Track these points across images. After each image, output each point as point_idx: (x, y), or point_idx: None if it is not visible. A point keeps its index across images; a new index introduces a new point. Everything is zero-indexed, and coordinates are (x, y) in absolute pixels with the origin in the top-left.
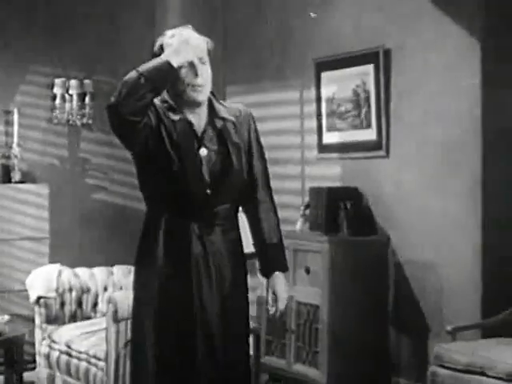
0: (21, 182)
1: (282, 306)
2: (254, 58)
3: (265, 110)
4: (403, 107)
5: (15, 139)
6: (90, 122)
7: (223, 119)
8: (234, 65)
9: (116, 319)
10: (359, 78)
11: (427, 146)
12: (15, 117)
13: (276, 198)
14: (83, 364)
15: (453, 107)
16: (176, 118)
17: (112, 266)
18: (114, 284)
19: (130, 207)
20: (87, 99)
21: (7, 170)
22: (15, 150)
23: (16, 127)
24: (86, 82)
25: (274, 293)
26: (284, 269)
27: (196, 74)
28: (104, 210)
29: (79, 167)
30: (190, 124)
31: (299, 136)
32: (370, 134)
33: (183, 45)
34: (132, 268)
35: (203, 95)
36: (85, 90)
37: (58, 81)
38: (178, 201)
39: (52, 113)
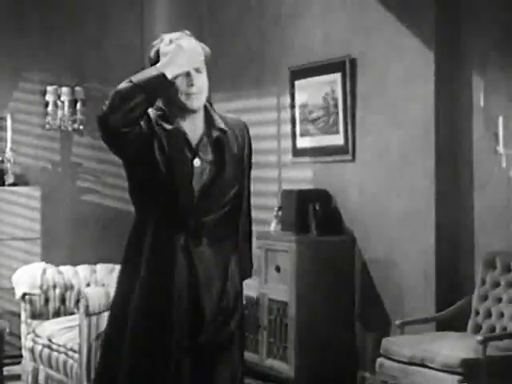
0: (14, 184)
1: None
2: (234, 66)
3: (244, 116)
4: (367, 113)
5: (8, 144)
6: (81, 127)
7: (220, 130)
8: (216, 72)
9: (88, 313)
10: (329, 86)
11: (387, 149)
12: (8, 122)
13: (254, 200)
14: (62, 356)
15: (409, 113)
16: (169, 127)
17: (95, 264)
18: (97, 281)
19: (119, 209)
20: (78, 106)
21: (1, 174)
22: (8, 154)
23: (9, 133)
24: (77, 89)
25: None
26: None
27: (191, 84)
28: (94, 211)
29: (71, 171)
30: (184, 134)
31: (276, 141)
32: (338, 139)
33: (179, 55)
34: (115, 266)
35: (198, 102)
36: (76, 97)
37: (50, 88)
38: (165, 211)
39: (44, 119)
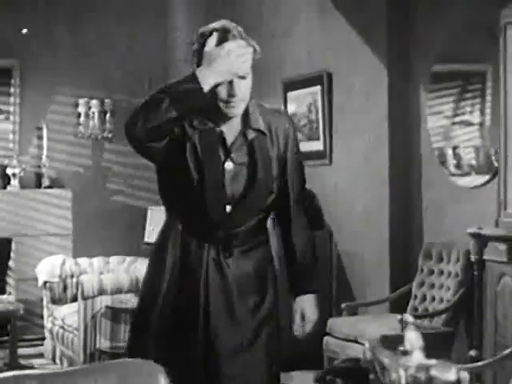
0: (49, 187)
1: (308, 328)
2: None
3: None
4: (339, 122)
5: (45, 151)
6: (110, 135)
7: (256, 130)
8: None
9: (83, 297)
10: (311, 97)
11: (353, 154)
12: (45, 132)
13: None
14: (70, 335)
15: (369, 122)
16: (203, 127)
17: (109, 256)
18: (109, 271)
19: (144, 208)
20: (107, 116)
21: (38, 177)
22: (45, 160)
23: (45, 141)
24: (106, 101)
25: (302, 314)
26: (315, 291)
27: (232, 94)
28: (121, 210)
29: (101, 174)
30: (220, 133)
31: None
32: (318, 145)
33: (224, 63)
34: (126, 258)
35: (238, 110)
36: (105, 109)
37: (81, 101)
38: (194, 218)
39: (77, 128)
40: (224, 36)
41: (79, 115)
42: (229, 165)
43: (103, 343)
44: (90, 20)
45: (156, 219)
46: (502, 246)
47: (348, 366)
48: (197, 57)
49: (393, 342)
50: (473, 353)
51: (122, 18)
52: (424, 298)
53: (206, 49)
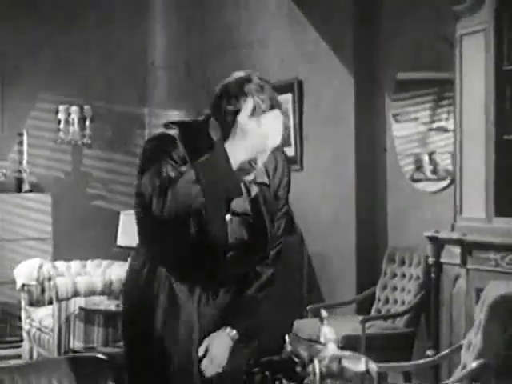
0: (30, 191)
1: (212, 371)
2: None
3: None
4: (310, 129)
5: (25, 156)
6: (90, 141)
7: (259, 184)
8: (204, 91)
9: (58, 299)
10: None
11: (322, 161)
12: (25, 137)
13: None
14: (46, 336)
15: (337, 131)
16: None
17: (86, 259)
18: (86, 274)
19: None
20: (87, 122)
21: (18, 182)
22: (25, 165)
23: (26, 146)
24: (86, 107)
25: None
26: (239, 331)
27: (253, 167)
28: (101, 215)
29: (81, 180)
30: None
31: None
32: (290, 151)
33: (260, 141)
34: (102, 261)
35: (251, 176)
36: (85, 115)
37: (61, 107)
38: (188, 266)
39: (57, 134)
40: (258, 100)
41: (59, 121)
42: (230, 217)
43: (76, 344)
44: (70, 27)
45: (127, 223)
46: (457, 250)
47: (275, 360)
48: (225, 120)
49: (354, 342)
50: (430, 352)
51: (101, 25)
52: (387, 301)
53: (241, 119)
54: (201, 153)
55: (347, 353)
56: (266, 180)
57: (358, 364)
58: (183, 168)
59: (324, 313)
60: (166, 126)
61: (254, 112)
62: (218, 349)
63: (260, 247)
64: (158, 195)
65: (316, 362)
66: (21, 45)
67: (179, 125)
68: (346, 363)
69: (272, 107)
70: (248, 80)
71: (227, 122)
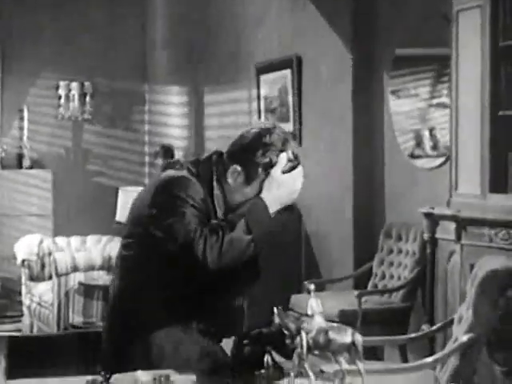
0: (30, 167)
1: None
2: (216, 63)
3: (224, 107)
4: (308, 105)
5: (26, 132)
6: (90, 117)
7: None
8: (204, 69)
9: (57, 274)
10: (283, 80)
11: (319, 138)
12: (26, 114)
13: None
14: (46, 311)
15: (335, 107)
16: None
17: (86, 235)
18: (85, 249)
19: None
20: (87, 98)
21: (19, 158)
22: (26, 141)
23: (26, 122)
24: (86, 83)
25: None
26: None
27: None
28: (102, 191)
29: (81, 156)
30: None
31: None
32: (289, 127)
33: (291, 193)
34: (102, 237)
35: None
36: (85, 91)
37: (62, 83)
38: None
39: (57, 110)
40: (289, 155)
41: (60, 97)
42: None
43: (76, 318)
44: (71, 4)
45: (126, 199)
46: (452, 226)
47: (264, 332)
48: (255, 170)
49: (350, 317)
50: (425, 326)
51: (102, 2)
52: (383, 276)
53: (277, 174)
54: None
55: (334, 325)
56: None
57: (345, 336)
58: (230, 216)
59: (311, 285)
60: (170, 166)
61: (285, 167)
62: None
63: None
64: (211, 245)
65: (303, 334)
66: (22, 22)
67: (192, 166)
68: (332, 335)
69: (298, 163)
70: (276, 132)
71: (258, 173)
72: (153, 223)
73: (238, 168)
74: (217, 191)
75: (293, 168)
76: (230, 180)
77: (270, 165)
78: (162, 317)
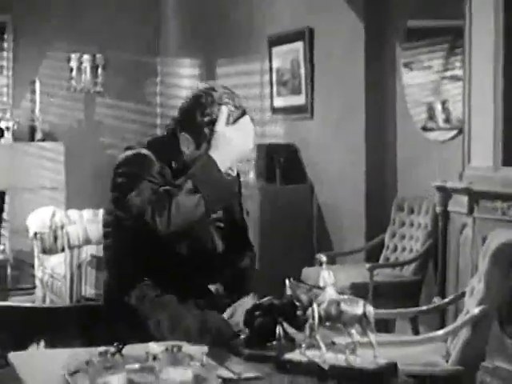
0: (42, 140)
1: None
2: (228, 35)
3: (235, 79)
4: (320, 77)
5: (38, 105)
6: (102, 89)
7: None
8: (215, 42)
9: (69, 247)
10: (295, 53)
11: (332, 110)
12: (37, 86)
13: None
14: (59, 283)
15: (347, 79)
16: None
17: (98, 208)
18: (98, 222)
19: None
20: (99, 70)
21: (31, 131)
22: (38, 113)
23: (38, 95)
24: (98, 55)
25: None
26: None
27: (230, 174)
28: (112, 164)
29: (93, 128)
30: None
31: (259, 100)
32: (300, 99)
33: (242, 145)
34: None
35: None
36: (97, 63)
37: (73, 55)
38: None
39: (69, 82)
40: (231, 108)
41: (71, 70)
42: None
43: (88, 291)
44: None
45: None
46: (464, 199)
47: (276, 303)
48: (201, 132)
49: (362, 290)
50: (436, 299)
51: None
52: (395, 249)
53: (220, 128)
54: (177, 167)
55: (345, 296)
56: (232, 172)
57: (356, 307)
58: (179, 181)
59: (323, 257)
60: (129, 148)
61: (229, 119)
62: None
63: (237, 252)
64: (159, 211)
65: (315, 305)
66: None
67: (148, 144)
68: (344, 307)
69: (244, 113)
70: (214, 89)
71: (204, 133)
72: (116, 206)
73: (186, 135)
74: (174, 164)
75: (238, 118)
76: (184, 149)
77: (212, 122)
78: (153, 298)
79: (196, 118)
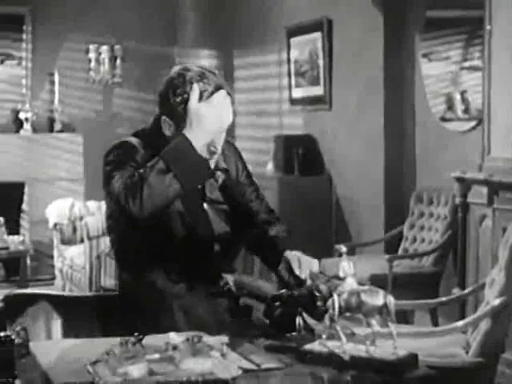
0: (61, 131)
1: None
2: (245, 26)
3: (253, 71)
4: (339, 68)
5: (57, 96)
6: (120, 81)
7: (221, 170)
8: (233, 31)
9: (89, 238)
10: (313, 43)
11: (350, 100)
12: (56, 77)
13: (257, 144)
14: (78, 274)
15: (365, 71)
16: None
17: None
18: None
19: None
20: (118, 62)
21: (50, 122)
22: (56, 105)
23: (57, 86)
24: (117, 47)
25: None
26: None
27: (214, 151)
28: None
29: (111, 119)
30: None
31: (277, 92)
32: (319, 90)
33: (215, 121)
34: None
35: (213, 163)
36: (115, 54)
37: (92, 47)
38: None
39: (88, 74)
40: (204, 85)
41: (90, 61)
42: (208, 206)
43: (108, 281)
44: None
45: None
46: (484, 190)
47: (295, 294)
48: (177, 112)
49: (381, 281)
50: (455, 291)
51: None
52: (414, 240)
53: (192, 106)
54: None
55: (366, 287)
56: (225, 165)
57: (377, 298)
58: (150, 162)
59: (343, 247)
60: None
61: (202, 96)
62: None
63: (242, 234)
64: (132, 194)
65: (335, 296)
66: None
67: (135, 133)
68: (364, 297)
69: (218, 88)
70: (188, 70)
71: (179, 113)
72: (107, 196)
73: (166, 118)
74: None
75: (211, 94)
76: (166, 132)
77: (185, 100)
78: (163, 288)
79: (169, 99)
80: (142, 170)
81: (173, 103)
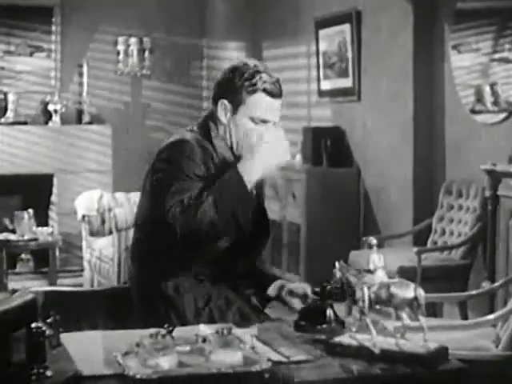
0: (89, 123)
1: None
2: (275, 18)
3: (282, 62)
4: (368, 60)
5: (85, 88)
6: (149, 73)
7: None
8: (263, 24)
9: (117, 229)
10: (341, 35)
11: (380, 92)
12: (85, 69)
13: (286, 136)
14: (106, 265)
15: (395, 62)
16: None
17: None
18: None
19: None
20: (146, 54)
21: (79, 114)
22: (85, 96)
23: (86, 78)
24: (145, 39)
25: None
26: None
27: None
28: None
29: (140, 111)
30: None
31: (306, 83)
32: (347, 82)
33: (272, 159)
34: None
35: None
36: (144, 46)
37: (120, 38)
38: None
39: (116, 65)
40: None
41: (118, 53)
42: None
43: None
44: None
45: None
46: None
47: (325, 286)
48: (239, 93)
49: (409, 274)
50: (485, 284)
51: None
52: (443, 232)
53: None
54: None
55: (396, 279)
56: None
57: (407, 290)
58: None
59: (373, 240)
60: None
61: (266, 89)
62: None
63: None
64: (185, 219)
65: (365, 288)
66: None
67: (192, 130)
68: (394, 290)
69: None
70: (248, 64)
71: (241, 97)
72: (153, 198)
73: (225, 101)
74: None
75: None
76: (220, 117)
77: (253, 84)
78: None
79: (235, 83)
80: (192, 201)
81: (237, 85)
